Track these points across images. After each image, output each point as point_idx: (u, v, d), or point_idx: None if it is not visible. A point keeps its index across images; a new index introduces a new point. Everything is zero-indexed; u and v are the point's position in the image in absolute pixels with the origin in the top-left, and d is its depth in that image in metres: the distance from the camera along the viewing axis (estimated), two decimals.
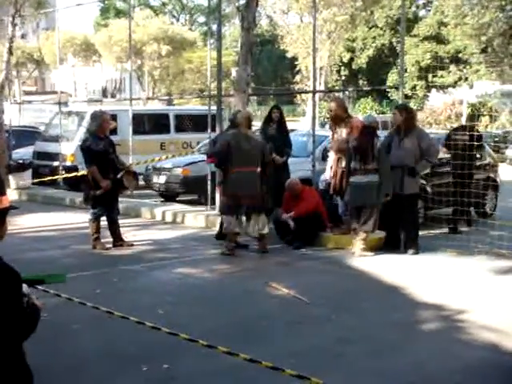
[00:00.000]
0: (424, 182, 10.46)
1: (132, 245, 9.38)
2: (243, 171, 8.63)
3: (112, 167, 9.08)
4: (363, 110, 47.09)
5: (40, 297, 5.68)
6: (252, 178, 8.65)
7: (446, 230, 10.24)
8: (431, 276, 7.68)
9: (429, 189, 10.55)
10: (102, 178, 8.88)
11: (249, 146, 8.71)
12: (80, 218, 11.83)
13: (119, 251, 9.10)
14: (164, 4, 70.87)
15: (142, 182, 14.76)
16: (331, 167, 9.58)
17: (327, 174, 9.80)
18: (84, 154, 9.16)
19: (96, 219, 9.21)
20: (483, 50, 38.83)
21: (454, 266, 8.11)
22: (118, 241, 9.34)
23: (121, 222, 11.50)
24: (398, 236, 8.92)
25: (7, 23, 15.86)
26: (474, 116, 18.75)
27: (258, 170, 8.71)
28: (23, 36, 35.13)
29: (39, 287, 5.67)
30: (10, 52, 15.81)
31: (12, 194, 14.96)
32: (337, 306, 6.46)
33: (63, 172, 15.11)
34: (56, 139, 15.90)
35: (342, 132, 9.36)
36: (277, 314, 6.25)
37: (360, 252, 8.57)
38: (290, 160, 10.77)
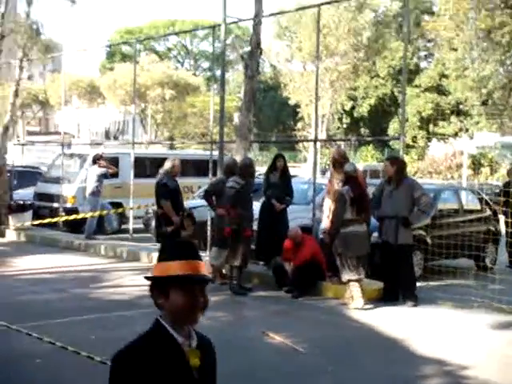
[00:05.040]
0: (424, 233, 10.44)
1: None
2: None
3: (180, 208, 9.80)
4: (364, 158, 47.35)
5: (33, 342, 5.64)
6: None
7: (445, 282, 10.15)
8: (431, 329, 7.59)
9: (429, 240, 10.51)
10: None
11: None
12: (78, 261, 11.80)
13: (117, 296, 9.02)
14: (169, 49, 72.04)
15: (141, 226, 14.76)
16: (328, 216, 9.57)
17: (324, 223, 9.80)
18: (160, 190, 9.73)
19: None
20: (484, 103, 39.24)
21: (453, 319, 8.02)
22: None
23: (119, 265, 11.52)
24: (396, 287, 8.85)
25: (14, 66, 16.06)
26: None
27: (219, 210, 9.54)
28: (30, 77, 35.59)
29: (33, 333, 5.65)
30: (16, 94, 15.98)
31: (11, 235, 14.94)
32: (334, 358, 6.38)
33: (63, 214, 15.10)
34: (57, 181, 15.94)
35: (339, 182, 9.38)
36: (273, 364, 6.16)
37: (363, 304, 8.45)
38: (291, 208, 10.79)
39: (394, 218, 8.70)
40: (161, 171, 9.94)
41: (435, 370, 6.07)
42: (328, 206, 9.65)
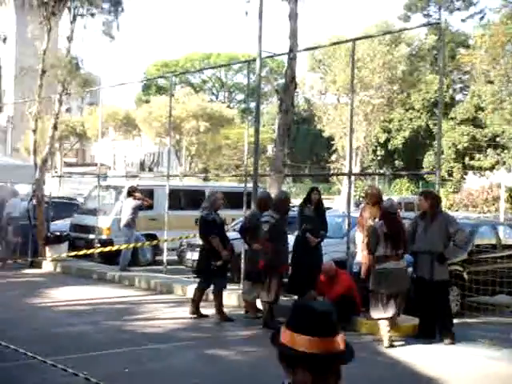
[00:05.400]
0: (461, 268, 10.28)
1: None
2: None
3: (227, 242, 9.82)
4: (399, 191, 47.04)
5: (68, 376, 5.66)
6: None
7: (483, 319, 9.93)
8: (468, 369, 7.42)
9: (466, 276, 10.33)
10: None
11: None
12: (113, 293, 11.87)
13: (151, 329, 9.03)
14: (204, 81, 73.00)
15: (175, 258, 14.81)
16: (362, 250, 9.51)
17: (358, 257, 9.73)
18: (208, 227, 9.72)
19: (220, 290, 9.77)
20: None
21: (491, 358, 7.82)
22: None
23: (153, 297, 11.55)
24: (433, 324, 8.69)
25: (54, 100, 16.44)
26: None
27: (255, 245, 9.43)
28: (68, 110, 36.39)
29: (69, 369, 5.67)
30: (55, 127, 16.32)
31: (48, 266, 15.13)
32: None
33: (98, 245, 15.24)
34: (93, 212, 16.13)
35: (372, 217, 9.34)
36: None
37: (388, 343, 8.30)
38: (325, 241, 10.73)
39: (429, 253, 8.57)
40: (205, 206, 9.95)
41: None
42: (360, 239, 9.60)
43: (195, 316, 9.70)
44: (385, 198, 11.19)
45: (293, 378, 1.85)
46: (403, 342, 8.41)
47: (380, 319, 8.39)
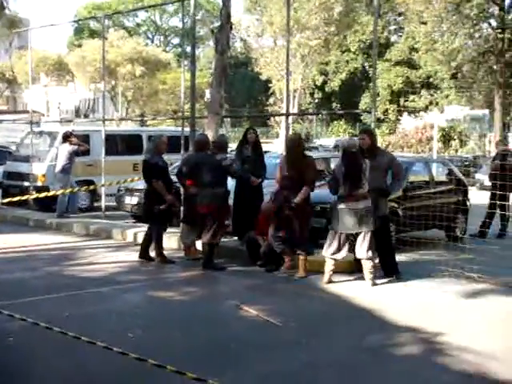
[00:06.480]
0: (396, 205, 10.53)
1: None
2: None
3: (171, 186, 9.75)
4: (336, 133, 47.55)
5: (5, 321, 5.60)
6: None
7: (417, 253, 10.24)
8: (404, 300, 7.70)
9: (400, 212, 10.61)
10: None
11: None
12: (50, 240, 11.71)
13: (91, 273, 8.98)
14: (138, 25, 71.15)
15: (113, 203, 14.67)
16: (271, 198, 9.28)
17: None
18: (150, 170, 9.63)
19: (160, 233, 9.73)
20: (453, 76, 39.58)
21: (425, 289, 8.14)
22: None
23: (92, 243, 11.47)
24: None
25: None
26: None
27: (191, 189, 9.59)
28: None
29: (4, 311, 5.60)
30: None
31: None
32: (308, 330, 6.43)
33: (34, 192, 14.93)
34: (27, 159, 15.74)
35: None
36: (247, 337, 6.20)
37: (326, 280, 8.46)
38: (264, 182, 10.79)
39: (372, 190, 8.55)
40: (148, 149, 9.92)
41: (410, 338, 6.16)
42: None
43: (144, 260, 9.74)
44: (322, 140, 11.22)
45: None
46: (343, 278, 8.61)
47: (329, 258, 8.45)
